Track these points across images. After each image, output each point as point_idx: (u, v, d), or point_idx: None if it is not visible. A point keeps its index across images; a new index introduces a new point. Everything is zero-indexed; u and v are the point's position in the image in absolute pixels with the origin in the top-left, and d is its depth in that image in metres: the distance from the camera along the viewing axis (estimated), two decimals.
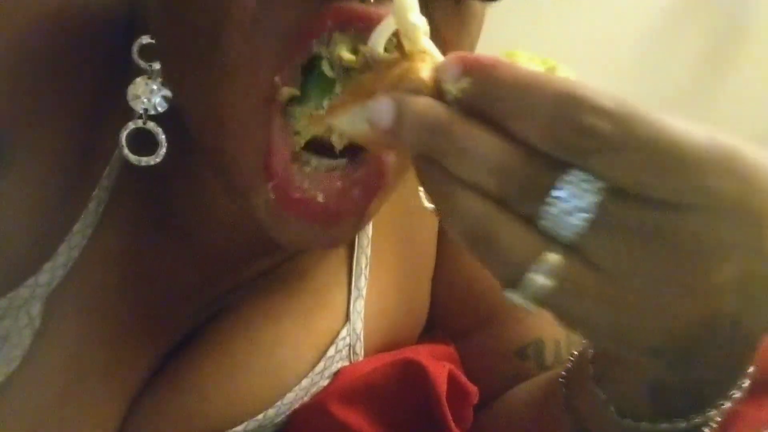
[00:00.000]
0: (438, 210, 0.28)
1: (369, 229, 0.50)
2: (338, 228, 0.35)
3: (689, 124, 0.25)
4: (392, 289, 0.51)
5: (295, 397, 0.45)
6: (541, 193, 0.25)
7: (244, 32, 0.32)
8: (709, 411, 0.32)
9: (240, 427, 0.44)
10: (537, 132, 0.25)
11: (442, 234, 0.54)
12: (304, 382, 0.45)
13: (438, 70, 0.27)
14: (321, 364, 0.46)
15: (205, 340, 0.45)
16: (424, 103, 0.26)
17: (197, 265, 0.44)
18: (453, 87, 0.26)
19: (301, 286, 0.47)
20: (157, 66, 0.37)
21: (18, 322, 0.38)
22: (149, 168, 0.41)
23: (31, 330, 0.39)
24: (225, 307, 0.46)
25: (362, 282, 0.49)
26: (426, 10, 0.30)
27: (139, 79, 0.37)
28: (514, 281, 0.26)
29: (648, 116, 0.24)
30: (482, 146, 0.25)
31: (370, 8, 0.32)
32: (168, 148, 0.40)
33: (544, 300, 0.26)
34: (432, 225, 0.53)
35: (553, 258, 0.25)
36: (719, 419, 0.33)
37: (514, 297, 0.26)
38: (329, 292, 0.48)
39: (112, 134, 0.39)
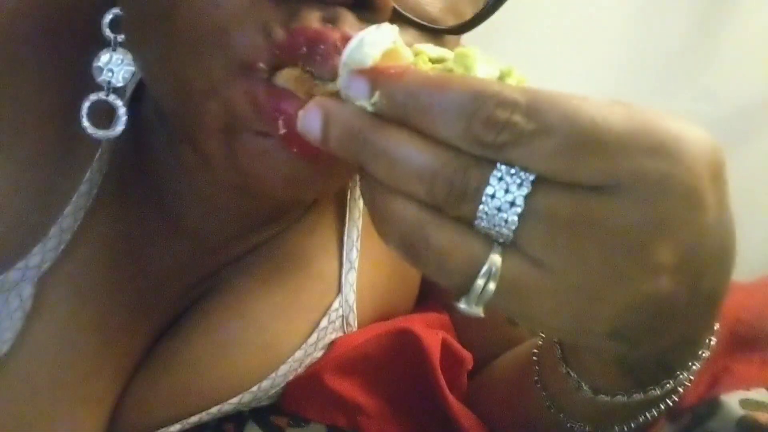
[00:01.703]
0: (372, 220, 0.27)
1: (361, 201, 0.50)
2: (312, 166, 0.33)
3: (606, 104, 0.24)
4: (384, 260, 0.51)
5: (288, 369, 0.46)
6: (472, 193, 0.24)
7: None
8: (680, 374, 0.33)
9: (234, 400, 0.44)
10: (454, 132, 0.24)
11: None
12: (298, 354, 0.46)
13: (343, 89, 0.27)
14: (314, 336, 0.46)
15: (198, 317, 0.45)
16: (350, 112, 0.26)
17: (188, 243, 0.44)
18: (366, 102, 0.26)
19: (292, 259, 0.47)
20: (121, 37, 0.36)
21: (9, 305, 0.38)
22: (139, 148, 0.41)
23: (23, 312, 0.38)
24: (217, 284, 0.46)
25: (354, 254, 0.49)
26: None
27: (103, 51, 0.36)
28: (461, 289, 0.25)
29: (559, 101, 0.24)
30: (406, 152, 0.25)
31: (331, 32, 0.30)
32: (151, 124, 0.39)
33: (491, 304, 0.25)
34: None
35: (494, 259, 0.24)
36: (691, 378, 0.33)
37: (464, 307, 0.25)
38: (320, 264, 0.48)
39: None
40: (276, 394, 0.48)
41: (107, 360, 0.42)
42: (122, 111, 0.37)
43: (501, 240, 0.25)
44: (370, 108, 0.26)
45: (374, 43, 0.26)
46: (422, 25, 0.33)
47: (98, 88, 0.37)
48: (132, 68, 0.37)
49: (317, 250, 0.48)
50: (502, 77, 0.28)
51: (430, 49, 0.29)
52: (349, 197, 0.50)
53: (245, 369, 0.45)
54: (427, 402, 0.48)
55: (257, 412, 0.48)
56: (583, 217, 0.24)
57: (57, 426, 0.41)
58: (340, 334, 0.49)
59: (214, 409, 0.44)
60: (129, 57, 0.37)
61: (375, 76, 0.26)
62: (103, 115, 0.37)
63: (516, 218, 0.24)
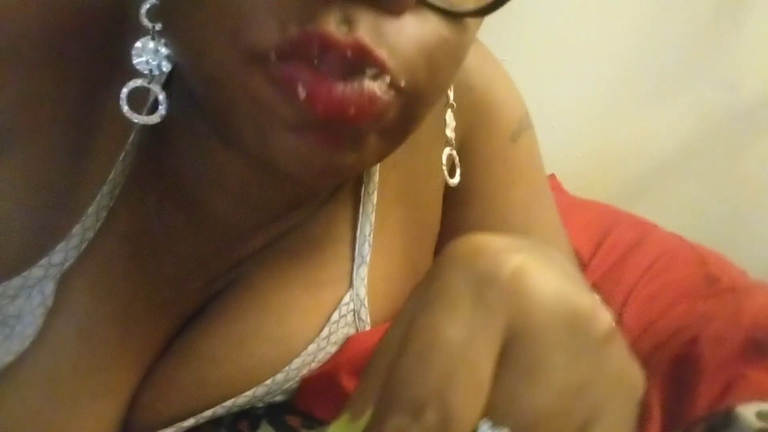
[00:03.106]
0: None
1: (374, 196, 0.49)
2: (340, 155, 0.33)
3: None
4: (397, 255, 0.51)
5: (302, 362, 0.46)
6: None
7: None
8: None
9: (249, 392, 0.45)
10: None
11: (447, 199, 0.53)
12: (311, 348, 0.46)
13: None
14: (326, 330, 0.47)
15: (216, 310, 0.45)
16: None
17: (209, 237, 0.44)
18: None
19: (307, 254, 0.47)
20: (159, 27, 0.36)
21: (31, 302, 0.39)
22: (163, 145, 0.41)
23: (44, 309, 0.39)
24: (236, 279, 0.46)
25: (366, 249, 0.49)
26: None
27: (142, 39, 0.36)
28: None
29: None
30: None
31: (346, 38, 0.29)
32: (177, 119, 0.39)
33: None
34: (437, 189, 0.53)
35: None
36: None
37: None
38: (334, 258, 0.48)
39: (123, 117, 0.38)
40: (290, 390, 0.48)
41: (127, 353, 0.43)
42: (162, 97, 0.36)
43: None
44: None
45: None
46: (444, 9, 0.32)
47: (126, 79, 0.38)
48: (168, 56, 0.36)
49: (331, 244, 0.49)
50: None
51: None
52: (363, 192, 0.50)
53: (260, 361, 0.45)
54: None
55: (271, 412, 0.48)
56: None
57: (76, 419, 0.42)
58: (352, 329, 0.49)
59: (228, 402, 0.45)
60: (164, 46, 0.36)
61: None
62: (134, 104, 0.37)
63: None
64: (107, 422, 0.43)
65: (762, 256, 0.95)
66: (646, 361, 0.55)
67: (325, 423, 0.48)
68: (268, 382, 0.45)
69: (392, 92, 0.31)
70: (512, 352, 0.20)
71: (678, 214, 0.97)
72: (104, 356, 0.42)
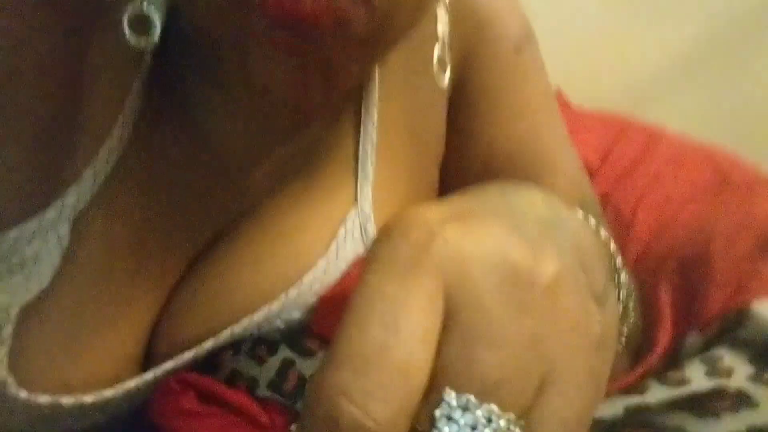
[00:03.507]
0: None
1: (374, 113, 0.50)
2: (310, 76, 0.34)
3: None
4: (400, 173, 0.51)
5: (313, 278, 0.47)
6: None
7: None
8: None
9: (264, 308, 0.46)
10: None
11: (451, 118, 0.53)
12: (320, 263, 0.47)
13: None
14: (334, 245, 0.48)
15: (230, 237, 0.47)
16: None
17: (219, 168, 0.45)
18: None
19: (314, 175, 0.49)
20: None
21: (47, 243, 0.40)
22: (169, 83, 0.42)
23: (60, 249, 0.40)
24: (248, 207, 0.47)
25: (369, 166, 0.50)
26: None
27: None
28: None
29: None
30: None
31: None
32: (179, 54, 0.39)
33: None
34: (441, 107, 0.53)
35: None
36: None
37: None
38: (339, 177, 0.50)
39: (126, 63, 0.39)
40: (306, 305, 0.49)
41: (146, 283, 0.45)
42: (155, 17, 0.38)
43: None
44: None
45: None
46: None
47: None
48: None
49: (336, 163, 0.50)
50: None
51: None
52: (363, 112, 0.50)
53: (273, 279, 0.47)
54: None
55: (290, 336, 0.49)
56: None
57: (100, 348, 0.43)
58: (360, 245, 0.49)
59: (245, 320, 0.46)
60: None
61: None
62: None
63: None
64: (129, 351, 0.45)
65: None
66: (659, 265, 0.55)
67: None
68: (282, 296, 0.47)
69: (361, 6, 0.31)
70: (457, 318, 0.20)
71: (687, 116, 0.95)
72: (123, 287, 0.44)
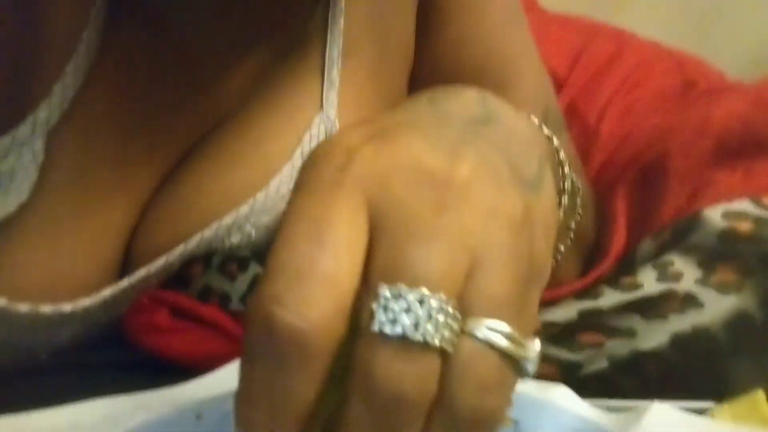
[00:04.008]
0: None
1: (340, 21, 0.51)
2: None
3: None
4: (367, 79, 0.52)
5: (280, 182, 0.49)
6: None
7: None
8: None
9: (233, 213, 0.48)
10: None
11: (420, 24, 0.53)
12: (286, 168, 0.49)
13: None
14: (299, 150, 0.50)
15: (203, 145, 0.48)
16: None
17: (192, 76, 0.46)
18: None
19: (282, 83, 0.50)
20: None
21: (23, 159, 0.41)
22: None
23: (36, 165, 0.41)
24: (221, 118, 0.49)
25: (335, 73, 0.51)
26: None
27: None
28: None
29: None
30: None
31: None
32: None
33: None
34: (410, 15, 0.53)
35: None
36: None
37: None
38: (306, 84, 0.51)
39: None
40: (276, 216, 0.50)
41: (122, 195, 0.46)
42: None
43: None
44: None
45: None
46: None
47: None
48: None
49: (303, 70, 0.51)
50: None
51: None
52: (330, 19, 0.51)
53: (242, 183, 0.48)
54: None
55: (260, 254, 0.50)
56: None
57: (80, 258, 0.45)
58: None
59: (214, 224, 0.47)
60: None
61: None
62: None
63: None
64: (109, 260, 0.47)
65: (741, 56, 0.94)
66: (620, 173, 0.56)
67: None
68: (250, 201, 0.48)
69: None
70: (382, 226, 0.21)
71: (656, 21, 0.94)
72: (101, 199, 0.45)
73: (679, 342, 0.40)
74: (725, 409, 0.36)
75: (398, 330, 0.20)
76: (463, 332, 0.21)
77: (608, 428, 0.33)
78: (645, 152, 0.54)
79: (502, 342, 0.21)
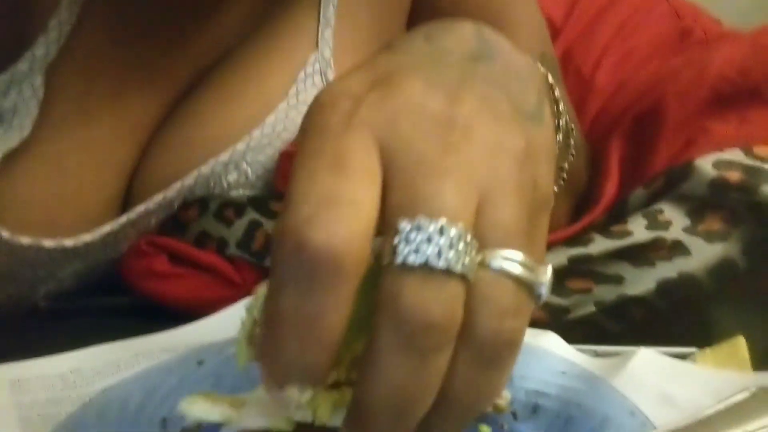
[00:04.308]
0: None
1: None
2: None
3: None
4: (363, 20, 0.53)
5: (275, 119, 0.50)
6: None
7: None
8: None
9: (229, 149, 0.49)
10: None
11: None
12: (281, 105, 0.50)
13: None
14: (294, 88, 0.51)
15: (203, 83, 0.50)
16: None
17: (189, 12, 0.47)
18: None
19: (280, 22, 0.51)
20: None
21: (23, 95, 0.42)
22: None
23: (36, 100, 0.43)
24: (219, 55, 0.50)
25: (330, 11, 0.52)
26: None
27: None
28: None
29: None
30: None
31: None
32: None
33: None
34: None
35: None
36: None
37: None
38: (302, 23, 0.52)
39: None
40: (272, 154, 0.51)
41: (124, 129, 0.48)
42: None
43: None
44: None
45: None
46: None
47: None
48: None
49: (300, 8, 0.52)
50: None
51: None
52: None
53: (239, 119, 0.50)
54: None
55: (255, 200, 0.51)
56: None
57: (83, 190, 0.47)
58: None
59: (211, 161, 0.49)
60: None
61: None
62: None
63: None
64: (110, 196, 0.48)
65: (738, 4, 0.93)
66: (615, 122, 0.56)
67: None
68: (246, 138, 0.50)
69: None
70: (394, 167, 0.22)
71: None
72: (103, 133, 0.47)
73: (664, 288, 0.41)
74: (707, 354, 0.37)
75: (421, 259, 0.21)
76: (480, 264, 0.21)
77: (595, 372, 0.34)
78: (640, 101, 0.54)
79: (517, 269, 0.21)
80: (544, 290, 0.22)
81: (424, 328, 0.20)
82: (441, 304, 0.21)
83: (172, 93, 0.50)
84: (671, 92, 0.50)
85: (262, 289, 0.25)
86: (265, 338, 0.22)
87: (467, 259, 0.21)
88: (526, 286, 0.22)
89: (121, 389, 0.35)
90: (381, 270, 0.22)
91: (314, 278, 0.20)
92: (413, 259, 0.21)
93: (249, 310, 0.26)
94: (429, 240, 0.21)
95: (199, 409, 0.25)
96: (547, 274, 0.22)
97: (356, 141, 0.22)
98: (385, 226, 0.22)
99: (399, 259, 0.21)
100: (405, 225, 0.21)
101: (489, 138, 0.23)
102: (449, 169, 0.22)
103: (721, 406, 0.31)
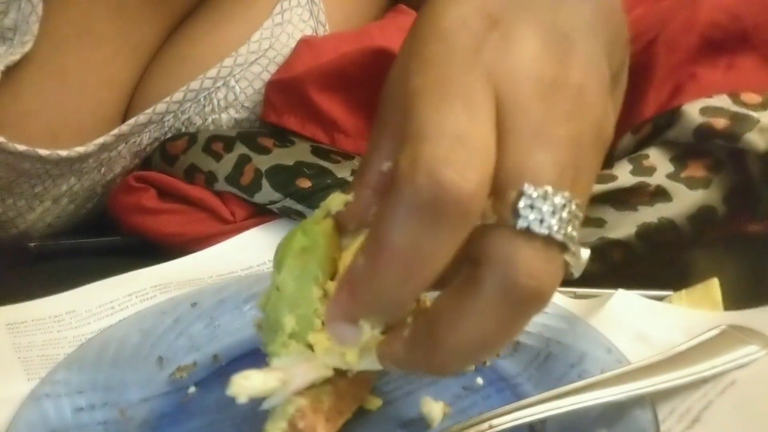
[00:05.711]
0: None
1: None
2: None
3: None
4: None
5: (261, 36, 0.53)
6: None
7: None
8: None
9: (218, 64, 0.52)
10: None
11: None
12: (267, 23, 0.53)
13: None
14: (279, 6, 0.53)
15: (197, 8, 0.53)
16: None
17: None
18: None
19: None
20: None
21: (23, 12, 0.43)
22: None
23: (36, 17, 0.43)
24: None
25: None
26: None
27: None
28: None
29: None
30: None
31: None
32: None
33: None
34: None
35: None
36: None
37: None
38: None
39: None
40: (267, 65, 0.53)
41: (126, 48, 0.50)
42: None
43: None
44: None
45: None
46: None
47: None
48: None
49: None
50: None
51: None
52: None
53: (228, 39, 0.53)
54: None
55: (244, 135, 0.51)
56: None
57: (85, 104, 0.48)
58: (306, 12, 0.54)
59: (199, 77, 0.51)
60: None
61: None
62: None
63: None
64: (110, 112, 0.50)
65: None
66: None
67: (295, 135, 0.51)
68: (233, 54, 0.52)
69: None
70: (510, 124, 0.22)
71: None
72: (105, 51, 0.48)
73: (644, 232, 0.42)
74: (683, 295, 0.38)
75: (545, 230, 0.21)
76: None
77: (575, 312, 0.35)
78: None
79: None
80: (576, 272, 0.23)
81: (534, 297, 0.21)
82: (554, 278, 0.21)
83: (171, 17, 0.52)
84: (660, 39, 0.50)
85: (268, 286, 0.26)
86: (364, 266, 0.22)
87: (576, 236, 0.22)
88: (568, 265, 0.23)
89: (119, 330, 0.35)
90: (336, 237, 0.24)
91: (440, 216, 0.20)
92: (537, 228, 0.21)
93: (262, 307, 0.27)
94: (553, 212, 0.21)
95: (255, 380, 0.25)
96: (583, 257, 0.23)
97: (482, 85, 0.22)
98: (495, 185, 0.22)
99: (523, 224, 0.21)
100: (532, 191, 0.21)
101: (596, 113, 0.23)
102: (562, 137, 0.22)
103: (692, 342, 0.32)
